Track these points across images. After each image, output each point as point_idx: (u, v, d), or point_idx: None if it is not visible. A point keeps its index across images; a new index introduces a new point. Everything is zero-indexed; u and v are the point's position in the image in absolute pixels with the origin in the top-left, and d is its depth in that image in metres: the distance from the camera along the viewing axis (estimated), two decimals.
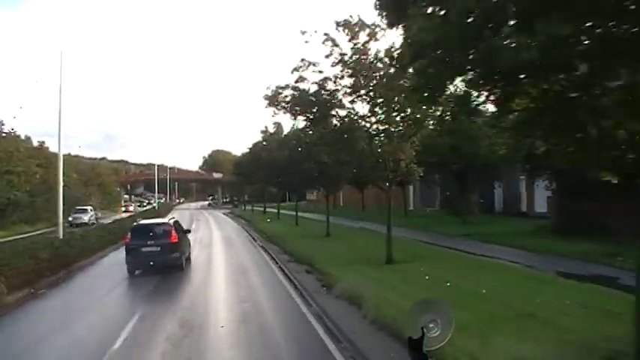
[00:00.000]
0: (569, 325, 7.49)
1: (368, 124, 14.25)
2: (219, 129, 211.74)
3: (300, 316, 10.11)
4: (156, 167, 68.88)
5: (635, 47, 4.41)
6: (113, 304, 12.48)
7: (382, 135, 14.11)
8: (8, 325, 10.36)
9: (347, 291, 10.69)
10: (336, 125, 14.87)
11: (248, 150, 47.40)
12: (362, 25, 13.26)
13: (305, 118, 15.78)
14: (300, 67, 14.52)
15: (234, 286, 13.82)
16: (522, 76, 5.11)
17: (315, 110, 14.85)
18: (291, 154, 26.49)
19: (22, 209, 40.06)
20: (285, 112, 15.34)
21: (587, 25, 4.46)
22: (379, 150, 14.15)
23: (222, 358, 8.06)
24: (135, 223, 18.79)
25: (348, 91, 14.05)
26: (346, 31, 13.37)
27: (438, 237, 22.60)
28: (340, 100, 14.33)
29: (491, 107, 6.51)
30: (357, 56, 13.51)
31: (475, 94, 5.99)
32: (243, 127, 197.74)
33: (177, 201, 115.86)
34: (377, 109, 13.77)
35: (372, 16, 13.21)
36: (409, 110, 13.50)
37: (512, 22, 4.54)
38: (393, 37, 12.55)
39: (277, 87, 15.56)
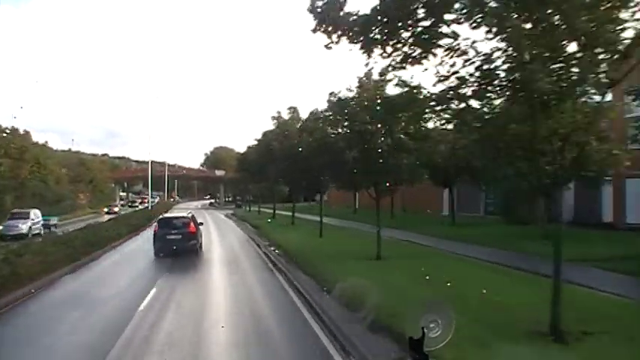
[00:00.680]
0: None
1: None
2: (222, 126, 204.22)
3: None
4: (150, 163, 61.21)
5: None
6: None
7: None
8: None
9: None
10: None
11: (256, 142, 40.46)
12: None
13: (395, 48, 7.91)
14: None
15: None
16: None
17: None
18: (322, 138, 18.62)
19: None
20: (352, 39, 7.75)
21: None
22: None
23: None
24: (161, 216, 22.24)
25: None
26: None
27: (544, 263, 15.05)
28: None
29: None
30: None
31: None
32: (244, 125, 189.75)
33: (173, 199, 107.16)
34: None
35: None
36: None
37: None
38: None
39: None
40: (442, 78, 7.44)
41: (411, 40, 7.30)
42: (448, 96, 7.61)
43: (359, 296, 9.29)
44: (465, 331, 6.19)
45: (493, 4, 6.76)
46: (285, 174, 27.33)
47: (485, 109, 7.66)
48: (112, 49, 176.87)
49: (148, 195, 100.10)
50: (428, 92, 8.05)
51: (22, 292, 12.48)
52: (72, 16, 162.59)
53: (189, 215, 21.05)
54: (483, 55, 7.08)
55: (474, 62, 7.18)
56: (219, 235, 29.49)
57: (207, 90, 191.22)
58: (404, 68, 7.67)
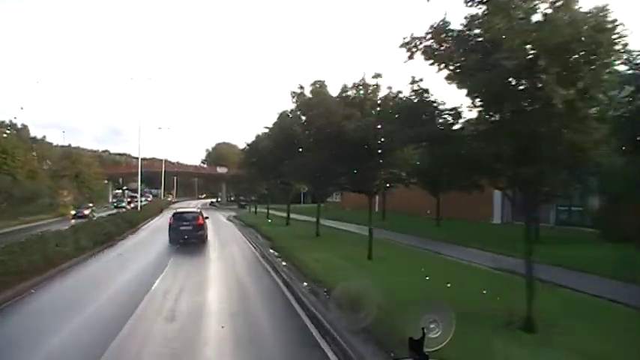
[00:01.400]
0: None
1: None
2: (224, 122, 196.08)
3: None
4: (139, 159, 52.94)
5: None
6: None
7: None
8: None
9: None
10: None
11: (267, 129, 32.54)
12: None
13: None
14: None
15: None
16: None
17: None
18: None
19: None
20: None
21: None
22: None
23: None
24: (174, 212, 25.19)
25: None
26: None
27: None
28: None
29: None
30: None
31: None
32: (247, 121, 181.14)
33: (169, 199, 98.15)
34: None
35: None
36: None
37: None
38: None
39: None
40: None
41: None
42: None
43: None
44: None
45: None
46: (326, 165, 17.86)
47: None
48: (112, 47, 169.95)
49: (147, 193, 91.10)
50: None
51: None
52: (76, 12, 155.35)
53: (198, 210, 27.00)
54: None
55: None
56: (218, 265, 21.76)
57: (209, 87, 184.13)
58: None
